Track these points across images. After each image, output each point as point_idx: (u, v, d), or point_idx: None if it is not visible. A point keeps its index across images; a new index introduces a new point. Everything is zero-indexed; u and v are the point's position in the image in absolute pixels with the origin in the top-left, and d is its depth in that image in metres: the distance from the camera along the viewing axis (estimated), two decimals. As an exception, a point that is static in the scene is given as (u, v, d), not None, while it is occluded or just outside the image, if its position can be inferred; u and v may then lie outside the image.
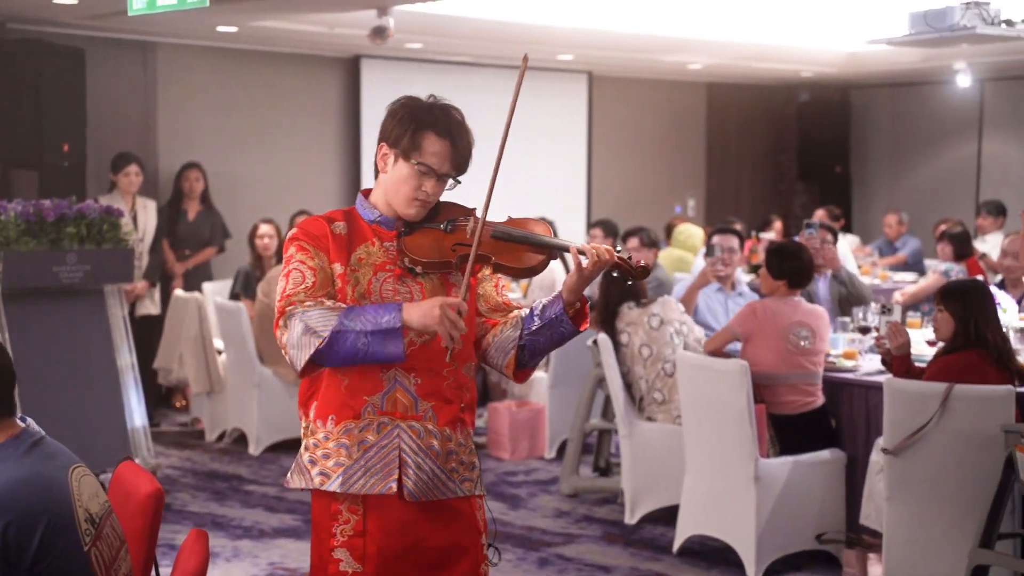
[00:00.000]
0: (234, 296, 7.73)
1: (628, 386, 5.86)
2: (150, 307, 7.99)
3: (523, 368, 2.91)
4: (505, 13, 8.33)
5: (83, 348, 5.98)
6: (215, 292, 8.00)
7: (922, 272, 9.86)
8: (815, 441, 5.18)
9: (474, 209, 2.88)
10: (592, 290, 6.55)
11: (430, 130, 2.76)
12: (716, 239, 6.67)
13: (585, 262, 2.74)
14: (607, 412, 6.39)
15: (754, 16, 8.88)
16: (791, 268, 5.34)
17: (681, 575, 5.14)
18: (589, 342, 6.29)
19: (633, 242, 7.77)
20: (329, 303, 2.69)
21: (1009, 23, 6.96)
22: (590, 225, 8.80)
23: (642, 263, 2.81)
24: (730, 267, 6.54)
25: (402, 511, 2.77)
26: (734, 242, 6.65)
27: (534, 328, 2.85)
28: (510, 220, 2.89)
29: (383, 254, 2.81)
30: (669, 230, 10.01)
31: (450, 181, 2.83)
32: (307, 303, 2.67)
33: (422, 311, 2.64)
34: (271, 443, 7.24)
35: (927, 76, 11.86)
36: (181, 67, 9.09)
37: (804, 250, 5.46)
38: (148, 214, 7.95)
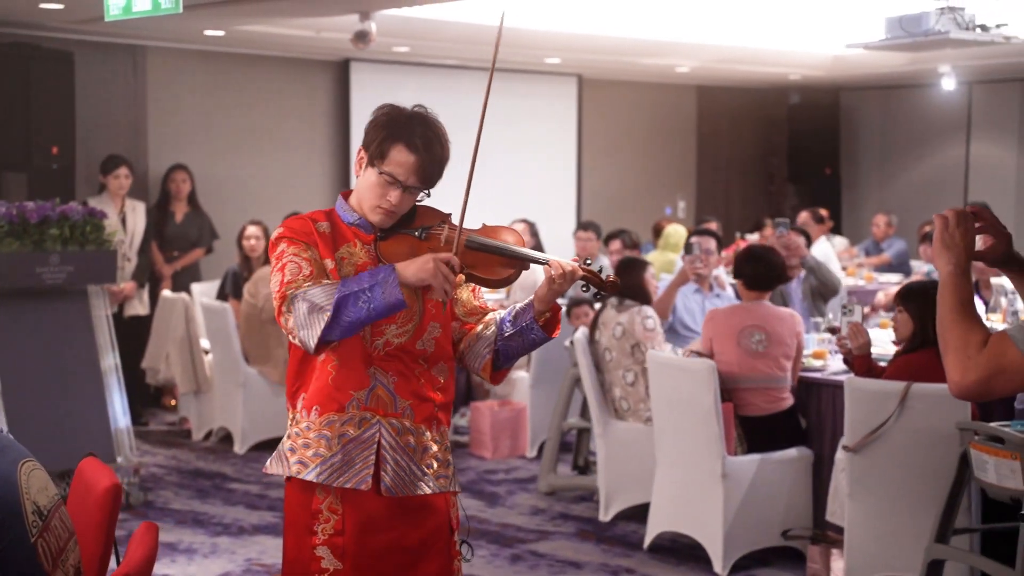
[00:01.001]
0: (222, 297, 7.82)
1: (603, 385, 5.95)
2: (138, 308, 8.09)
3: (498, 371, 2.99)
4: (491, 17, 8.42)
5: (67, 349, 6.07)
6: (203, 293, 8.10)
7: (908, 274, 9.93)
8: (781, 441, 5.26)
9: (449, 215, 2.94)
10: (575, 291, 6.63)
11: (400, 141, 2.80)
12: (694, 239, 6.77)
13: (554, 275, 2.82)
14: (586, 411, 6.48)
15: (740, 20, 8.97)
16: (750, 271, 5.42)
17: (650, 571, 5.22)
18: (566, 342, 6.38)
19: (615, 244, 7.89)
20: (327, 281, 2.76)
21: (984, 28, 7.05)
22: (577, 227, 8.88)
23: (612, 278, 2.89)
24: (707, 268, 6.64)
25: (379, 507, 2.84)
26: (711, 243, 6.75)
27: (507, 334, 2.94)
28: (484, 228, 2.94)
29: (365, 255, 2.87)
30: (657, 231, 10.09)
31: (421, 194, 2.87)
32: (307, 284, 2.73)
33: (416, 265, 2.72)
34: (256, 442, 7.33)
35: (914, 79, 11.94)
36: (170, 70, 9.19)
37: (769, 253, 5.52)
38: (137, 216, 8.05)
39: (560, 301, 2.93)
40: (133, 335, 7.93)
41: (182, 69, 9.26)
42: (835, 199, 12.96)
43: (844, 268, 9.78)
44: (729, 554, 5.10)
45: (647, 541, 5.43)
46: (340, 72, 10.07)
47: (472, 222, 2.90)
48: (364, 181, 2.86)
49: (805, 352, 5.69)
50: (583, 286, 2.89)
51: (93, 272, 6.08)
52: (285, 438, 2.90)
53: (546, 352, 7.07)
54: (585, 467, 6.69)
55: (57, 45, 8.14)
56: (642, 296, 5.87)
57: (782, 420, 5.32)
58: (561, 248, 9.48)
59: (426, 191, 2.88)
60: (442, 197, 2.96)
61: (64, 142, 7.96)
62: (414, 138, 2.81)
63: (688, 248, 6.71)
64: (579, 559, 5.37)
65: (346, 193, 2.94)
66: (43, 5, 7.15)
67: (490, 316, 3.01)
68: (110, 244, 6.14)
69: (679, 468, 5.29)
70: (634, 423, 5.80)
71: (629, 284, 5.87)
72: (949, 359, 2.36)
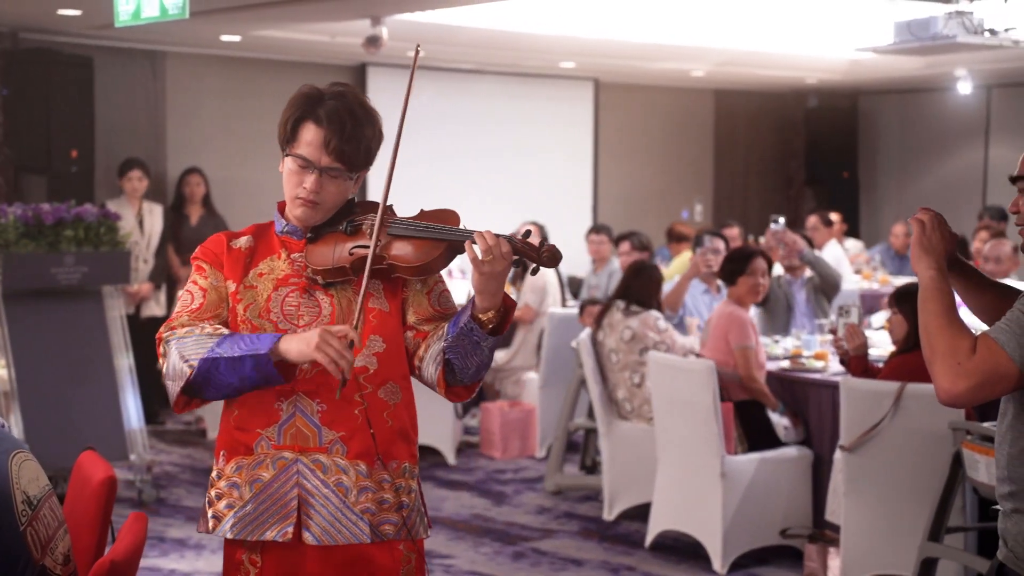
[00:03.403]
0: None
1: (607, 386, 6.02)
2: (155, 309, 8.21)
3: (455, 385, 2.52)
4: (504, 22, 8.50)
5: (81, 348, 6.20)
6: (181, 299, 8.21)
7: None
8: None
9: (390, 206, 2.54)
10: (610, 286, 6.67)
11: (309, 119, 2.50)
12: (705, 237, 6.92)
13: (478, 253, 2.36)
14: (593, 412, 6.54)
15: (756, 24, 9.00)
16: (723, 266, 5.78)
17: (651, 569, 5.28)
18: (573, 343, 6.44)
19: (625, 246, 7.95)
20: (209, 328, 2.43)
21: (992, 32, 7.06)
22: (589, 230, 8.94)
23: (549, 248, 2.39)
24: (715, 267, 6.72)
25: (304, 559, 2.48)
26: (720, 244, 6.85)
27: (451, 338, 2.46)
28: (420, 214, 2.55)
29: (288, 266, 2.53)
30: (672, 234, 10.14)
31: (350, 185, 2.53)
32: (184, 328, 2.44)
33: (302, 340, 2.33)
34: (269, 441, 7.43)
35: (932, 83, 11.93)
36: (188, 75, 9.32)
37: (742, 251, 5.80)
38: (154, 218, 8.18)
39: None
40: (150, 336, 7.99)
41: (200, 74, 9.40)
42: (853, 203, 12.96)
43: (858, 271, 9.80)
44: (728, 552, 5.15)
45: (648, 540, 5.49)
46: (356, 77, 10.18)
47: (407, 213, 2.58)
48: (284, 174, 2.54)
49: (807, 353, 5.75)
50: (515, 260, 2.39)
51: (107, 273, 6.20)
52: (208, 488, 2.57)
53: (556, 353, 7.16)
54: (592, 467, 6.76)
55: (77, 51, 8.29)
56: (648, 303, 5.93)
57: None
58: (575, 251, 9.54)
59: (349, 175, 2.51)
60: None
61: (83, 145, 8.12)
62: (319, 111, 2.49)
63: (699, 241, 6.84)
64: (581, 557, 5.44)
65: (282, 203, 2.61)
66: (61, 11, 7.30)
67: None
68: (124, 245, 6.26)
69: (680, 467, 5.35)
70: (638, 423, 5.86)
71: (638, 290, 5.95)
72: (937, 366, 2.28)
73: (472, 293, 2.44)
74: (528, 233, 2.49)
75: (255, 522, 2.47)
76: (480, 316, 2.42)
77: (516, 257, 2.39)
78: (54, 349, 6.10)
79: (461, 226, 2.48)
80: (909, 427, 4.56)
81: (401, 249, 2.46)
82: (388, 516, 2.50)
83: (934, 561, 4.37)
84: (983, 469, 4.14)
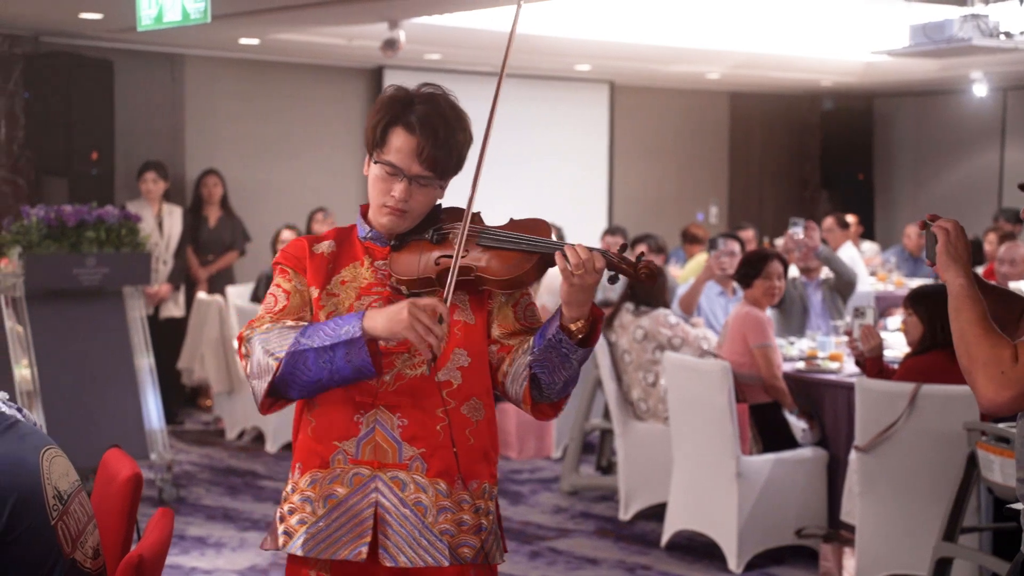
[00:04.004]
0: (256, 300, 8.00)
1: (622, 386, 6.06)
2: (174, 310, 8.29)
3: (541, 402, 2.42)
4: (520, 25, 8.52)
5: (102, 348, 6.26)
6: (237, 295, 8.28)
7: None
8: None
9: (478, 213, 2.44)
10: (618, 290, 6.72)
11: (399, 124, 2.39)
12: (720, 240, 6.96)
13: (568, 264, 2.25)
14: (608, 413, 6.59)
15: (771, 27, 9.04)
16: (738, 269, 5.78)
17: (667, 568, 5.32)
18: (588, 344, 6.47)
19: (640, 249, 7.99)
20: (291, 322, 2.35)
21: (1008, 35, 7.08)
22: (604, 232, 8.98)
23: (648, 265, 2.27)
24: (730, 269, 6.76)
25: None
26: (735, 246, 6.88)
27: (537, 351, 2.34)
28: (510, 224, 2.45)
29: (371, 275, 2.44)
30: (685, 235, 10.18)
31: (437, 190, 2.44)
32: (266, 325, 2.35)
33: (387, 315, 2.24)
34: (287, 441, 7.49)
35: (947, 85, 11.94)
36: (207, 78, 9.40)
37: (757, 254, 5.83)
38: (174, 220, 8.25)
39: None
40: (169, 337, 8.13)
41: (218, 77, 9.47)
42: (868, 205, 12.97)
43: (874, 273, 9.82)
44: (744, 552, 5.19)
45: (664, 539, 5.53)
46: (373, 79, 10.24)
47: (496, 221, 2.49)
48: (370, 180, 2.45)
49: (822, 354, 5.78)
50: (610, 276, 2.27)
51: (128, 274, 6.26)
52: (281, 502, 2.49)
53: (571, 354, 7.18)
54: (608, 467, 6.80)
55: (97, 54, 8.37)
56: (656, 303, 5.97)
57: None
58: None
59: (439, 182, 2.43)
60: (461, 200, 2.51)
61: (104, 148, 8.20)
62: (410, 116, 2.38)
63: (713, 244, 6.88)
64: (597, 556, 5.48)
65: (365, 207, 2.52)
66: (83, 15, 7.37)
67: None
68: (144, 247, 6.33)
69: (695, 468, 5.39)
70: (654, 424, 5.90)
71: (646, 291, 5.98)
72: (979, 375, 2.26)
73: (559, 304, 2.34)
74: (624, 247, 2.33)
75: (328, 539, 2.36)
76: (569, 327, 2.30)
77: (612, 273, 2.28)
78: (76, 349, 6.17)
79: (552, 234, 2.38)
80: (924, 428, 4.58)
81: (490, 261, 2.35)
82: (467, 539, 2.38)
83: (949, 561, 4.39)
84: (998, 469, 4.16)
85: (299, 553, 2.37)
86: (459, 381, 2.38)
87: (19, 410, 2.80)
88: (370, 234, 2.47)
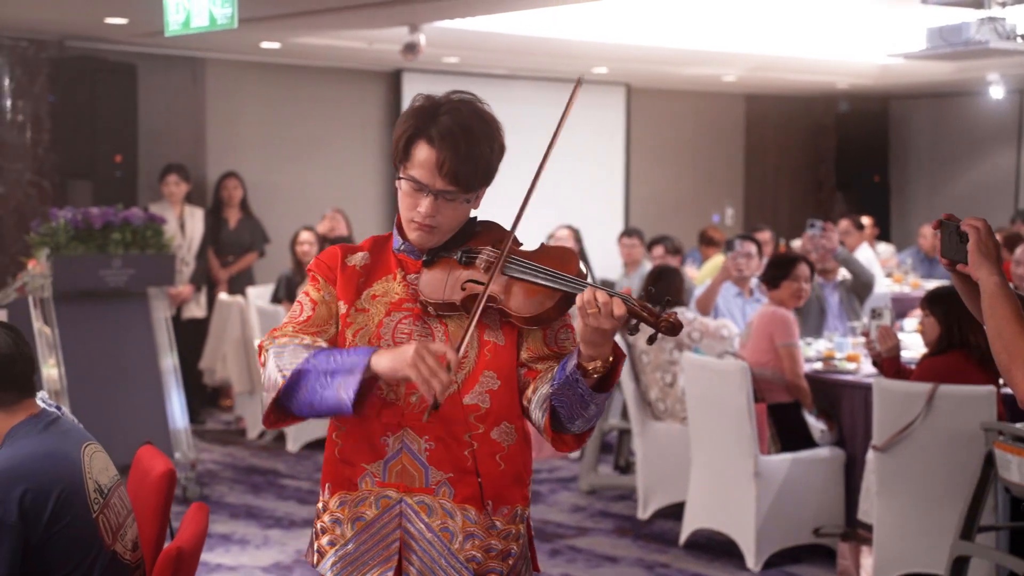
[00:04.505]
0: (276, 301, 8.08)
1: (640, 387, 6.12)
2: (196, 311, 8.38)
3: (561, 432, 2.33)
4: (538, 28, 8.61)
5: (128, 348, 6.36)
6: (258, 296, 8.37)
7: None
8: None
9: (511, 233, 2.36)
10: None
11: (422, 137, 2.30)
12: (736, 241, 7.01)
13: (584, 303, 2.15)
14: (627, 413, 6.65)
15: (787, 29, 9.08)
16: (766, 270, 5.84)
17: (685, 566, 5.38)
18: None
19: (658, 250, 8.05)
20: (308, 339, 2.31)
21: (1024, 37, 7.11)
22: (622, 233, 9.04)
23: (669, 318, 2.15)
24: (747, 270, 6.82)
25: None
26: (751, 248, 6.93)
27: (556, 385, 2.26)
28: (541, 250, 2.36)
29: (403, 289, 2.36)
30: (702, 237, 10.24)
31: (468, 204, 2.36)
32: (285, 338, 2.31)
33: (394, 354, 2.16)
34: (308, 440, 7.57)
35: (964, 87, 11.97)
36: (229, 81, 9.49)
37: (785, 257, 5.89)
38: (195, 222, 8.34)
39: None
40: (191, 337, 8.22)
41: (240, 80, 9.57)
42: (884, 207, 13.00)
43: (890, 275, 9.86)
44: (762, 550, 5.24)
45: (683, 538, 5.59)
46: (392, 82, 10.32)
47: (528, 231, 2.41)
48: (399, 193, 2.38)
49: (840, 355, 5.84)
50: (632, 324, 2.16)
51: (153, 275, 6.35)
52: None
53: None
54: (626, 467, 6.86)
55: (121, 58, 8.47)
56: (674, 303, 6.02)
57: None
58: (607, 254, 9.65)
59: (465, 196, 2.33)
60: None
61: (127, 151, 8.30)
62: (431, 129, 2.29)
63: (730, 245, 6.94)
64: (616, 554, 5.54)
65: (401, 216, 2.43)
66: (108, 20, 7.47)
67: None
68: (169, 248, 6.42)
69: (714, 467, 5.45)
70: (671, 423, 5.96)
71: (661, 291, 6.04)
72: (1019, 371, 2.24)
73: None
74: (651, 294, 2.20)
75: (356, 562, 2.34)
76: (585, 365, 2.20)
77: (635, 322, 2.16)
78: (102, 349, 6.26)
79: (581, 267, 2.30)
80: (941, 427, 4.64)
81: (515, 295, 2.27)
82: (494, 565, 2.34)
83: (966, 559, 4.44)
84: (1015, 469, 4.21)
85: (327, 574, 2.36)
86: (487, 405, 2.31)
87: (58, 408, 2.88)
88: (403, 247, 2.39)
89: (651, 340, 2.16)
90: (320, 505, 2.41)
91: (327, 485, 2.39)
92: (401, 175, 2.33)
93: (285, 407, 2.26)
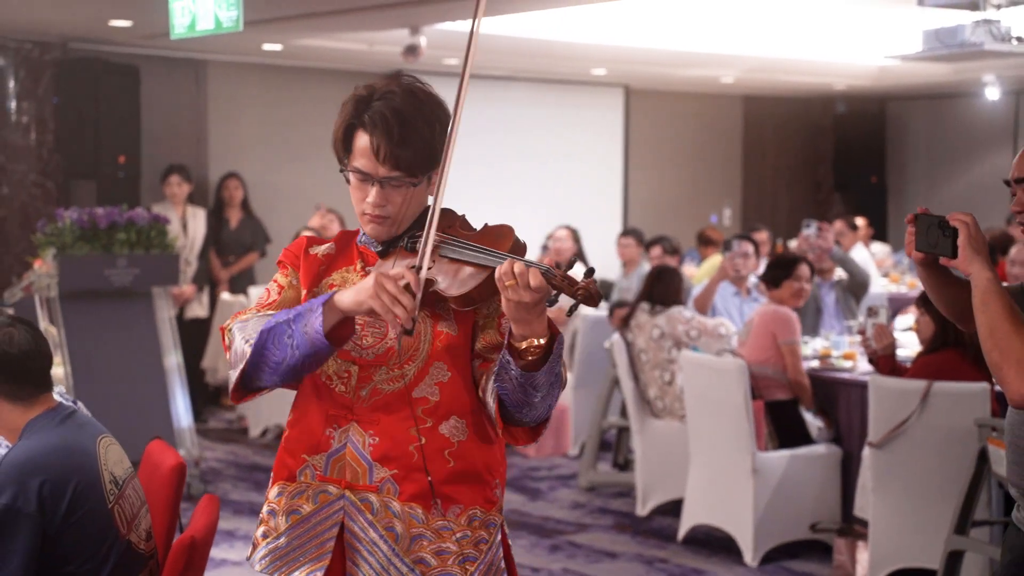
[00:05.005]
0: (278, 300, 8.15)
1: (639, 385, 6.19)
2: (198, 310, 8.45)
3: (511, 425, 2.21)
4: (538, 30, 8.68)
5: (132, 347, 6.42)
6: (259, 296, 8.44)
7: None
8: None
9: (462, 216, 2.31)
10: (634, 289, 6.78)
11: (359, 126, 2.26)
12: (734, 241, 7.09)
13: (500, 274, 2.04)
14: (625, 411, 6.72)
15: (785, 31, 9.15)
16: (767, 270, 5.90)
17: (684, 561, 5.45)
18: (606, 344, 6.62)
19: (656, 251, 8.13)
20: (273, 312, 2.22)
21: (1020, 40, 7.18)
22: (619, 234, 9.12)
23: (586, 286, 2.00)
24: (744, 270, 6.89)
25: None
26: (749, 248, 7.00)
27: (495, 371, 2.16)
28: (484, 229, 2.27)
29: (360, 279, 2.25)
30: (700, 238, 10.31)
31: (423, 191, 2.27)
32: (248, 314, 2.26)
33: (356, 289, 2.11)
34: (310, 439, 7.63)
35: (960, 89, 12.04)
36: (231, 83, 9.57)
37: (786, 257, 5.95)
38: (197, 222, 8.41)
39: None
40: (194, 336, 8.29)
41: (241, 81, 9.64)
42: (881, 208, 13.08)
43: (887, 275, 9.94)
44: (759, 546, 5.32)
45: (681, 533, 5.66)
46: (393, 84, 10.37)
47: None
48: (350, 187, 2.33)
49: (836, 353, 5.91)
50: (553, 295, 2.04)
51: (157, 275, 6.42)
52: None
53: (588, 354, 7.34)
54: (625, 464, 6.94)
55: (124, 60, 8.55)
56: (670, 302, 6.10)
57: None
58: (606, 254, 9.72)
59: (411, 180, 2.24)
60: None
61: (130, 151, 8.38)
62: (370, 118, 2.23)
63: (728, 245, 7.01)
64: (615, 550, 5.61)
65: None
66: (112, 22, 7.55)
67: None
68: (173, 248, 6.49)
69: (712, 464, 5.52)
70: (670, 421, 6.03)
71: (661, 291, 6.12)
72: (1011, 369, 2.21)
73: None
74: (572, 263, 2.05)
75: (286, 558, 2.23)
76: (517, 344, 2.09)
77: (554, 293, 2.03)
78: (107, 348, 6.32)
79: (518, 242, 2.20)
80: (936, 424, 4.71)
81: (446, 275, 2.17)
82: (449, 570, 2.20)
83: (960, 554, 4.51)
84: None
85: (257, 568, 2.26)
86: (437, 397, 2.21)
87: (74, 402, 2.96)
88: (363, 239, 2.36)
89: (571, 311, 2.03)
90: (264, 498, 2.34)
91: (272, 474, 2.31)
92: (346, 168, 2.29)
93: (253, 376, 2.19)
